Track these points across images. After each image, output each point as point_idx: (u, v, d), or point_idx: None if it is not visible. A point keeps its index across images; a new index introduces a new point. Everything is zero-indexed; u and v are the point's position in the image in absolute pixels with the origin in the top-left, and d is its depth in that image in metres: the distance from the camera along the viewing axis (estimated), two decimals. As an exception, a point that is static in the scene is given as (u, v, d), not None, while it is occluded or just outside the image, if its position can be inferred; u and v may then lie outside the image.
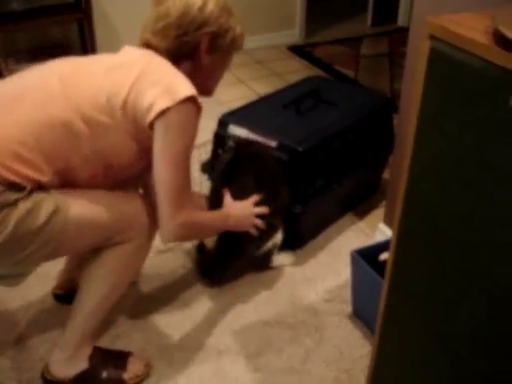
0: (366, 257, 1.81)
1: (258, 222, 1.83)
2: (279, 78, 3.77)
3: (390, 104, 2.52)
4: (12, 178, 1.34)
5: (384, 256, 1.88)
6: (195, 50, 1.54)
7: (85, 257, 1.61)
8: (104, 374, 1.64)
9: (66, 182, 1.46)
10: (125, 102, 1.40)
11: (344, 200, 2.43)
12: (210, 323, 1.88)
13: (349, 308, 1.95)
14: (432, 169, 1.05)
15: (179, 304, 1.96)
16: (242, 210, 1.80)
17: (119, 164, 1.50)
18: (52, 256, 1.46)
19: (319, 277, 2.09)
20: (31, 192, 1.36)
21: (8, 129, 1.37)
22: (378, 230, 2.26)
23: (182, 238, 1.62)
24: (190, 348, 1.80)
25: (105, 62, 1.50)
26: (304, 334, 1.86)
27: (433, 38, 0.98)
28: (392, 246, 1.26)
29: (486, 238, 0.99)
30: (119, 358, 1.70)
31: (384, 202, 2.42)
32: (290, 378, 1.71)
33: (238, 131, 2.18)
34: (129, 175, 1.58)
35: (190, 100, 1.41)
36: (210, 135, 2.28)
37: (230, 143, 2.28)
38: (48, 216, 1.36)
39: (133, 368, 1.68)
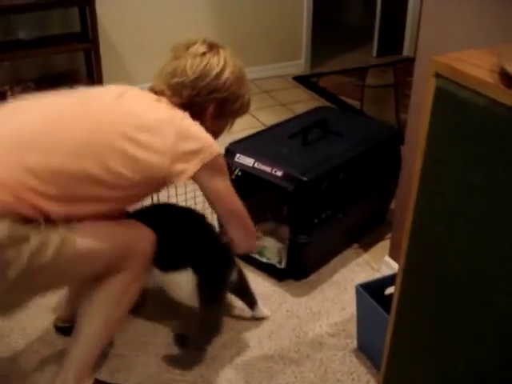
0: (372, 291, 1.79)
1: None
2: (284, 108, 3.78)
3: (398, 135, 2.52)
4: (24, 210, 1.34)
5: (390, 290, 1.86)
6: (203, 111, 1.58)
7: (82, 289, 1.62)
8: None
9: (71, 213, 1.45)
10: (156, 168, 1.45)
11: (350, 231, 2.41)
12: (212, 358, 1.85)
13: (354, 343, 1.92)
14: (438, 206, 1.04)
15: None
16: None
17: (128, 204, 1.59)
18: (54, 285, 1.50)
19: (324, 310, 2.07)
20: (41, 225, 1.37)
21: (33, 165, 1.36)
22: (384, 263, 2.23)
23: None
24: (191, 383, 1.76)
25: (133, 114, 1.49)
26: (308, 368, 1.82)
27: (438, 76, 0.97)
28: (397, 282, 1.24)
29: (491, 276, 0.97)
30: None
31: (390, 234, 2.40)
32: (294, 415, 1.68)
33: (244, 160, 2.18)
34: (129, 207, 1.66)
35: (220, 155, 1.54)
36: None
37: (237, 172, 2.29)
38: (56, 250, 1.38)
39: None
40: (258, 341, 1.93)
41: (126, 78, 3.75)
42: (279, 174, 2.07)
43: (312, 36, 4.42)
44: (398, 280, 1.22)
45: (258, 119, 3.58)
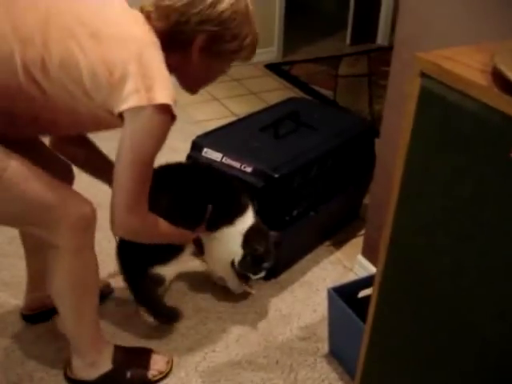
0: (344, 294, 1.71)
1: None
2: (255, 97, 3.68)
3: (372, 129, 2.43)
4: None
5: (363, 293, 1.78)
6: (190, 42, 1.40)
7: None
8: (128, 375, 1.64)
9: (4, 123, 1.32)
10: (109, 83, 1.28)
11: (322, 228, 2.33)
12: (175, 364, 1.75)
13: (325, 347, 1.84)
14: (420, 218, 0.95)
15: (142, 341, 1.82)
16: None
17: (67, 126, 1.43)
18: None
19: (294, 313, 1.98)
20: None
21: None
22: (357, 261, 2.16)
23: (134, 231, 1.48)
24: (154, 392, 1.67)
25: (99, 16, 1.34)
26: (277, 375, 1.74)
27: (424, 75, 0.88)
28: (373, 294, 1.16)
29: (476, 297, 0.89)
30: (142, 356, 1.70)
31: (363, 231, 2.33)
32: (262, 426, 1.59)
33: (212, 155, 2.08)
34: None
35: (165, 108, 1.30)
36: (183, 157, 2.16)
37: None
38: None
39: (156, 365, 1.69)
40: (224, 345, 1.83)
41: None
42: (248, 169, 1.97)
43: (285, 22, 4.31)
44: (375, 292, 1.13)
45: (227, 108, 3.47)
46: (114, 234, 1.48)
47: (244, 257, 1.84)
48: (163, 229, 1.56)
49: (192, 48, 1.41)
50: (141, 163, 1.35)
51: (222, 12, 1.38)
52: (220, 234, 1.84)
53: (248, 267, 1.85)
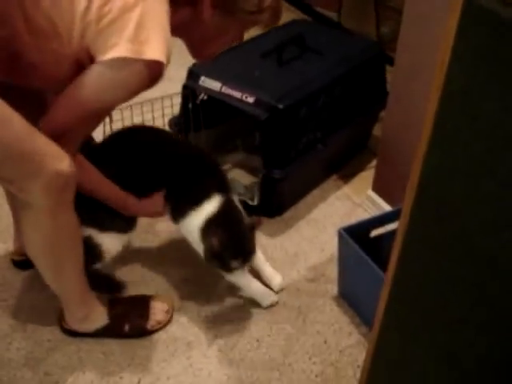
0: (355, 233, 1.59)
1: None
2: (255, 20, 3.45)
3: (382, 53, 2.25)
4: None
5: (376, 232, 1.67)
6: None
7: None
8: (126, 328, 1.57)
9: None
10: (99, 26, 1.11)
11: (329, 162, 2.19)
12: (176, 309, 1.66)
13: (334, 289, 1.74)
14: (458, 161, 0.80)
15: (140, 287, 1.72)
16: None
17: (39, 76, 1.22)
18: None
19: (301, 252, 1.87)
20: None
21: None
22: (367, 197, 2.03)
23: None
24: (153, 342, 1.58)
25: None
26: (284, 319, 1.65)
27: (470, -14, 0.71)
28: (396, 245, 1.03)
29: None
30: (141, 306, 1.61)
31: (373, 163, 2.19)
32: (270, 373, 1.51)
33: (210, 84, 1.91)
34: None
35: (156, 66, 1.13)
36: (179, 87, 2.01)
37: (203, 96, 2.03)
38: None
39: (155, 316, 1.60)
40: (226, 287, 1.73)
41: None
42: (250, 100, 1.81)
43: None
44: (398, 242, 1.00)
45: (226, 32, 3.25)
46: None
47: (204, 252, 1.50)
48: (92, 175, 1.39)
49: (203, 3, 1.24)
50: (98, 112, 1.22)
51: None
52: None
53: (213, 264, 1.51)
